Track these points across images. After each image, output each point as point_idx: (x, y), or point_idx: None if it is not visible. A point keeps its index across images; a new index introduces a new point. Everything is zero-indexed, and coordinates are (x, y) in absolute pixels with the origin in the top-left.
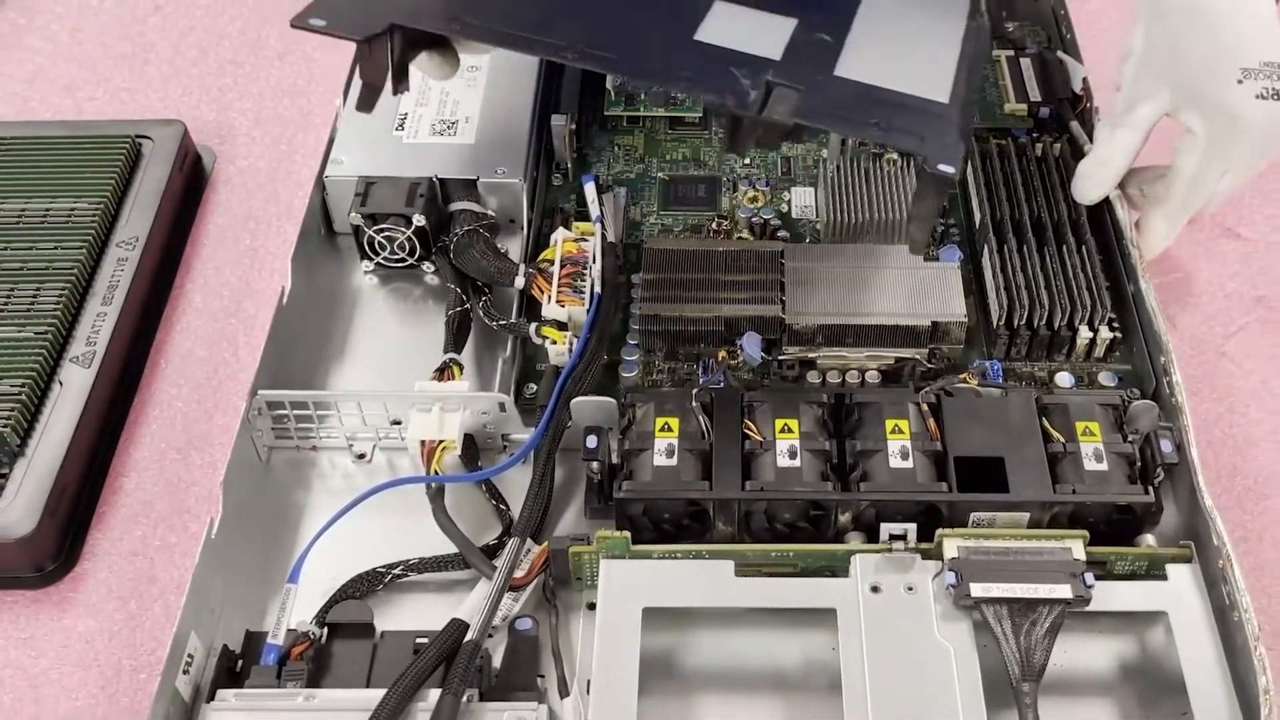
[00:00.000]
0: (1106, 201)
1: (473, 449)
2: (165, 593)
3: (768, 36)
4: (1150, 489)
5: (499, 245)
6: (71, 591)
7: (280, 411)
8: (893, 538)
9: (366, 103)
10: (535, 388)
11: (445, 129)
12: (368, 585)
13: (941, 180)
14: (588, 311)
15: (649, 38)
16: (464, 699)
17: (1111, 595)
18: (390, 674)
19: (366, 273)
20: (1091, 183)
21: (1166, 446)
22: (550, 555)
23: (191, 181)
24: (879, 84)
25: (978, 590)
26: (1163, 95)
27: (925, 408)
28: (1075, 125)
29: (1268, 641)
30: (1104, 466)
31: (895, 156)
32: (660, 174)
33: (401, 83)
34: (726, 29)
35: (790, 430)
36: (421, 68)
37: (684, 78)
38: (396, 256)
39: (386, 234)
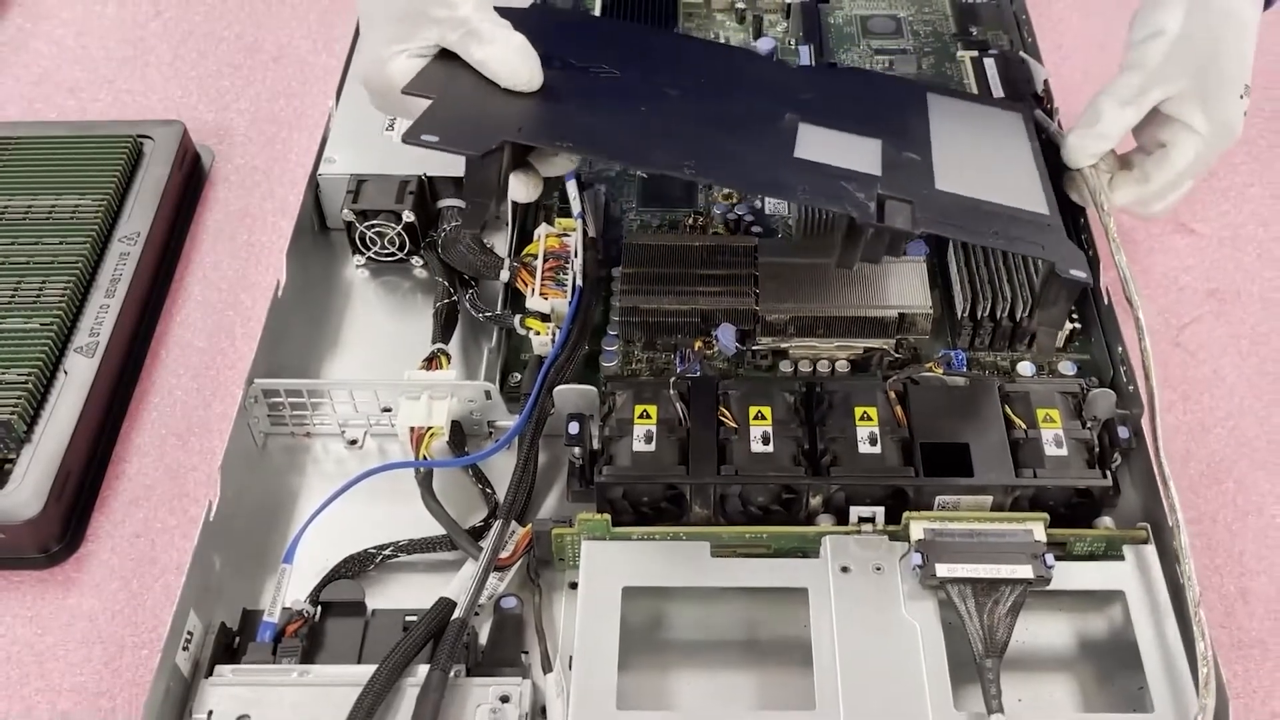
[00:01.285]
0: (1069, 200)
1: (460, 435)
2: (165, 573)
3: (861, 155)
4: (1108, 473)
5: (485, 241)
6: (76, 572)
7: (276, 399)
8: (862, 520)
9: (474, 220)
10: (519, 377)
11: None
12: (359, 565)
13: (1074, 286)
14: (570, 304)
15: (751, 156)
16: (451, 674)
17: (1071, 575)
18: (381, 650)
19: (358, 267)
20: (1085, 153)
21: (1123, 432)
22: (534, 537)
23: (190, 179)
24: (982, 198)
25: (943, 570)
26: (1180, 85)
27: (893, 396)
28: (1040, 114)
29: (1220, 620)
30: (1064, 452)
31: None
32: (639, 172)
33: (503, 201)
34: (821, 149)
35: (764, 417)
36: (510, 190)
37: (801, 190)
38: (387, 251)
39: (377, 230)
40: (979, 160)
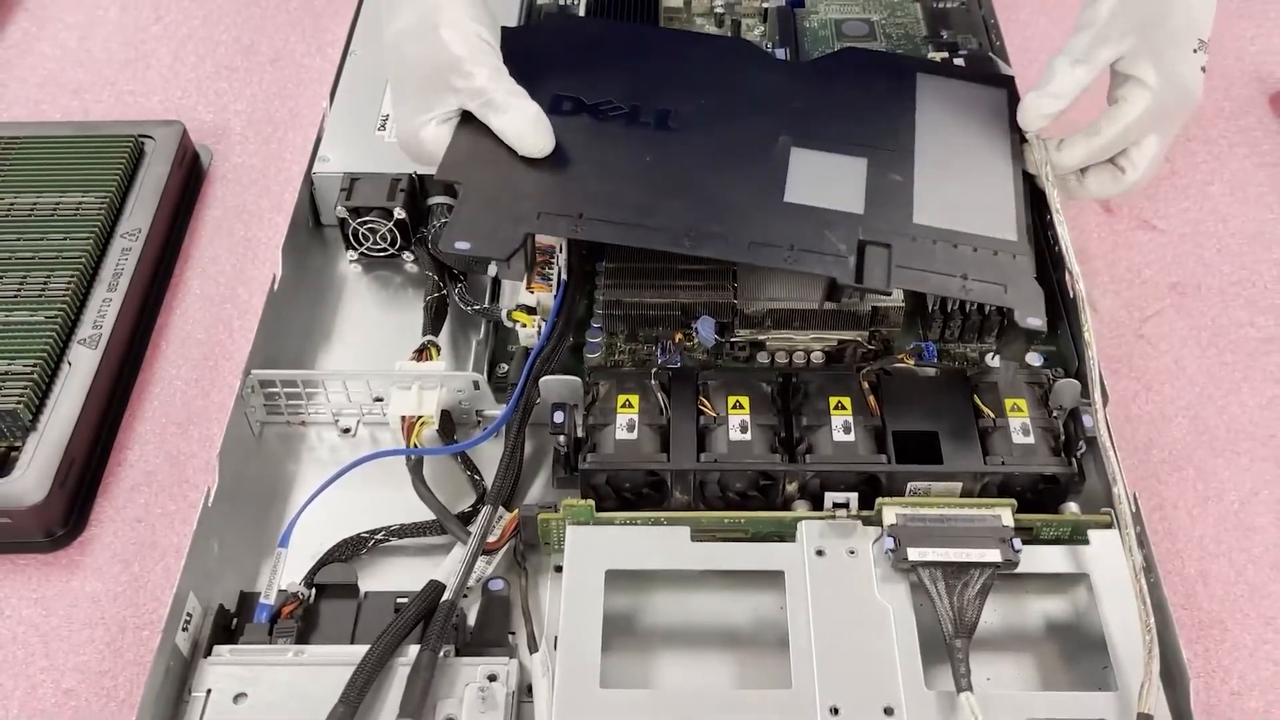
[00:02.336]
0: (1037, 198)
1: (449, 424)
2: (166, 556)
3: (847, 183)
4: (1073, 460)
5: None
6: (79, 555)
7: (272, 389)
8: (836, 506)
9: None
10: (506, 367)
11: None
12: (352, 549)
13: (1032, 332)
14: (555, 297)
15: (746, 205)
16: (441, 654)
17: (1038, 559)
18: (373, 631)
19: (351, 262)
20: (1037, 114)
21: (1088, 421)
22: (520, 522)
23: (190, 178)
24: (954, 227)
25: (914, 554)
26: (1129, 41)
27: (866, 386)
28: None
29: (1181, 601)
30: (1030, 440)
31: None
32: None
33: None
34: (809, 183)
35: (742, 406)
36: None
37: (786, 252)
38: (379, 247)
39: (369, 226)
40: (959, 168)
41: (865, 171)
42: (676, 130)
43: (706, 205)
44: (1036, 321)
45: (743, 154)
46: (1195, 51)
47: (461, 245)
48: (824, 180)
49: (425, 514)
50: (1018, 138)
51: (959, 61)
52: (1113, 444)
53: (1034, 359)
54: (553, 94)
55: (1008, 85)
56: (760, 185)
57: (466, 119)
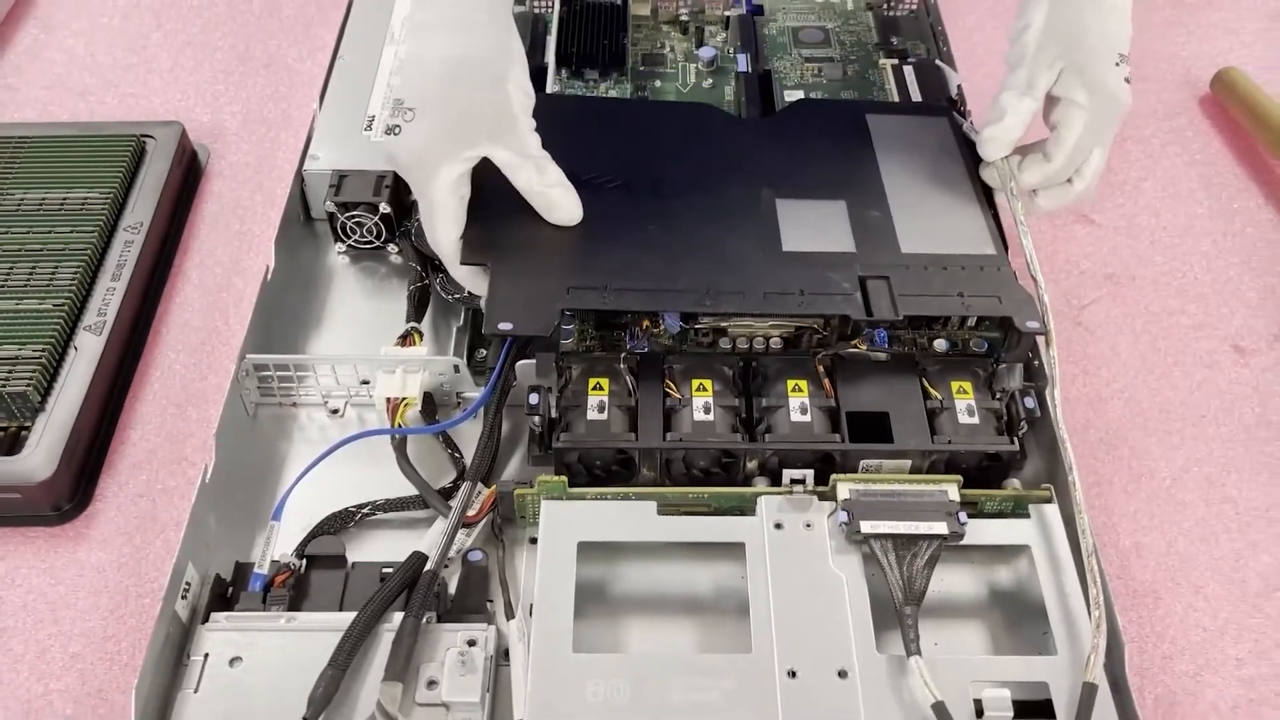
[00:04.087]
0: (987, 194)
1: (431, 405)
2: (166, 529)
3: (833, 226)
4: (1015, 439)
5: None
6: (85, 528)
7: (265, 373)
8: (793, 482)
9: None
10: (485, 352)
11: None
12: (340, 523)
13: (1030, 336)
14: None
15: (752, 259)
16: (423, 621)
17: (982, 531)
18: (360, 599)
19: (339, 253)
20: (999, 144)
21: (1029, 403)
22: (498, 497)
23: (189, 175)
24: (940, 251)
25: (866, 527)
26: (1058, 66)
27: (821, 370)
28: (956, 117)
29: (1116, 571)
30: (975, 420)
31: None
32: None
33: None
34: (801, 231)
35: (705, 389)
36: None
37: (798, 298)
38: (365, 239)
39: (357, 220)
40: (927, 196)
41: (847, 213)
42: (669, 197)
43: (717, 264)
44: (1035, 324)
45: (734, 212)
46: (1117, 65)
47: (504, 326)
48: (813, 226)
49: (409, 489)
50: (970, 160)
51: (908, 69)
52: (1063, 435)
53: (979, 345)
54: None
55: (946, 113)
56: (759, 239)
57: (475, 197)
